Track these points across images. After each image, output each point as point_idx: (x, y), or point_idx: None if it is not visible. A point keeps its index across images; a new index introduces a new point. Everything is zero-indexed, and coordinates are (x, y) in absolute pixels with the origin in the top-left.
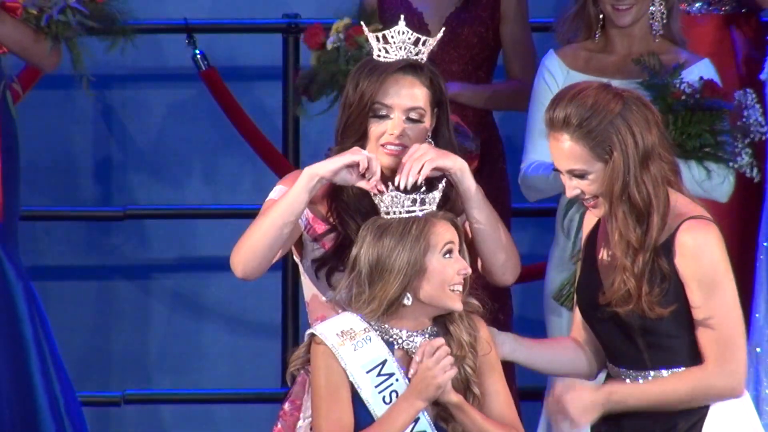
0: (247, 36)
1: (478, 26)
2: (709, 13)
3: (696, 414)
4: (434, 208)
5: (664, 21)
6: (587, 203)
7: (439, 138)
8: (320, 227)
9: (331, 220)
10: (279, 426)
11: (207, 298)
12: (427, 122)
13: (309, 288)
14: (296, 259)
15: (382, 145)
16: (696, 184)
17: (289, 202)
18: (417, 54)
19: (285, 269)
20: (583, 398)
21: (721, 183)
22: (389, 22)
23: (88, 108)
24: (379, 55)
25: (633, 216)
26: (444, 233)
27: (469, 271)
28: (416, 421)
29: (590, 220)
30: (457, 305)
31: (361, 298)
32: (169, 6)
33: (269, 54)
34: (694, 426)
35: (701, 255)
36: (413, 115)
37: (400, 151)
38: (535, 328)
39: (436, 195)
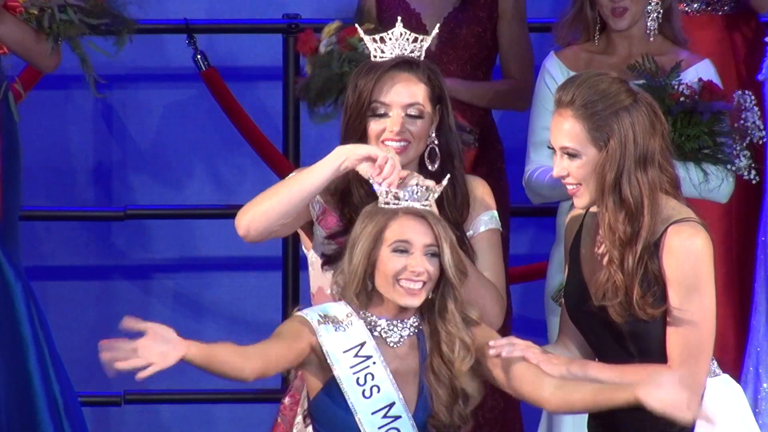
0: (247, 36)
1: (475, 26)
2: (708, 13)
3: None
4: (428, 204)
5: (660, 21)
6: (570, 189)
7: (441, 135)
8: (333, 221)
9: (343, 220)
10: (279, 420)
11: (207, 298)
12: (429, 118)
13: (315, 280)
14: (305, 250)
15: (382, 142)
16: (693, 187)
17: (312, 178)
18: (412, 51)
19: (285, 269)
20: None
21: (718, 185)
22: (387, 23)
23: (88, 108)
24: (375, 56)
25: (622, 211)
26: (400, 230)
27: (420, 273)
28: (395, 416)
29: (573, 225)
30: (404, 301)
31: (344, 279)
32: (170, 6)
33: (269, 54)
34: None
35: (685, 257)
36: (412, 111)
37: (404, 147)
38: (535, 329)
39: (433, 193)
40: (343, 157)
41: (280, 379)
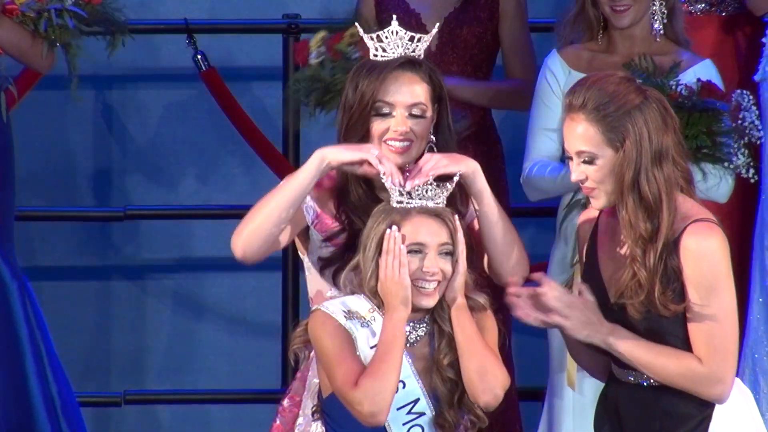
0: (247, 36)
1: (476, 27)
2: (710, 14)
3: (700, 415)
4: (440, 202)
5: (665, 21)
6: (587, 191)
7: (440, 133)
8: (329, 223)
9: (340, 220)
10: (278, 422)
11: (206, 298)
12: (430, 117)
13: (313, 284)
14: (300, 254)
15: (385, 141)
16: None
17: (296, 182)
18: (414, 51)
19: (285, 269)
20: (588, 309)
21: (717, 184)
22: (387, 24)
23: (87, 108)
24: (376, 55)
25: (642, 209)
26: (414, 232)
27: (435, 273)
28: (419, 413)
29: (586, 227)
30: (419, 301)
31: (359, 277)
32: (169, 6)
33: (269, 54)
34: (698, 425)
35: (702, 259)
36: (415, 111)
37: (406, 147)
38: (535, 329)
39: (446, 191)
40: (324, 162)
41: (280, 379)
